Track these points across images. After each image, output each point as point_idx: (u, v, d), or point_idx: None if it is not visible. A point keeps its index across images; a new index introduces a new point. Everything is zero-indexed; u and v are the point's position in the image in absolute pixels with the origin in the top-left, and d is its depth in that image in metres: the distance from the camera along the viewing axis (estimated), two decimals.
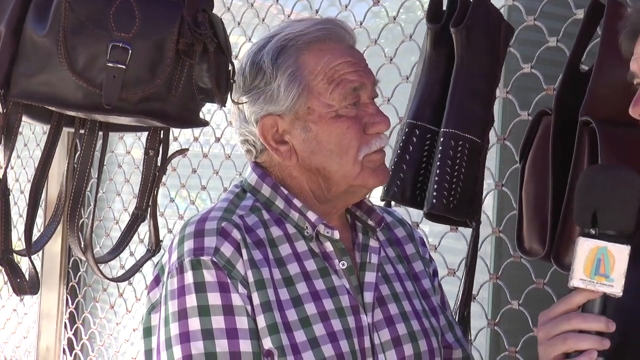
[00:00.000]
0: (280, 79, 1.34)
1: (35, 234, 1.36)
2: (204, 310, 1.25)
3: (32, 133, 4.15)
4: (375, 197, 1.80)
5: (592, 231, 1.18)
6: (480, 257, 2.18)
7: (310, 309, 1.30)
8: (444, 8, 1.78)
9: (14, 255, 1.27)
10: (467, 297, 1.81)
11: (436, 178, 1.66)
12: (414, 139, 1.73)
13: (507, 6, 2.20)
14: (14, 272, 1.26)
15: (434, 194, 1.66)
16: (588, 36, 1.64)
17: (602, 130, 1.48)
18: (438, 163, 1.67)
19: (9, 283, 1.28)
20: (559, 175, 1.55)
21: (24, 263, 1.31)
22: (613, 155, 1.47)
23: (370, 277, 1.38)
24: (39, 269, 3.84)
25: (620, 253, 1.15)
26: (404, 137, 1.75)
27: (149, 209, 1.40)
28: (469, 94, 1.68)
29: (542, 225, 1.59)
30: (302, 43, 1.35)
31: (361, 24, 2.58)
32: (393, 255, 1.49)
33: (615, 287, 1.15)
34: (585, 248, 1.17)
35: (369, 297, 1.36)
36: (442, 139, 1.68)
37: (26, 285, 1.27)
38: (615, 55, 1.51)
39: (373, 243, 1.42)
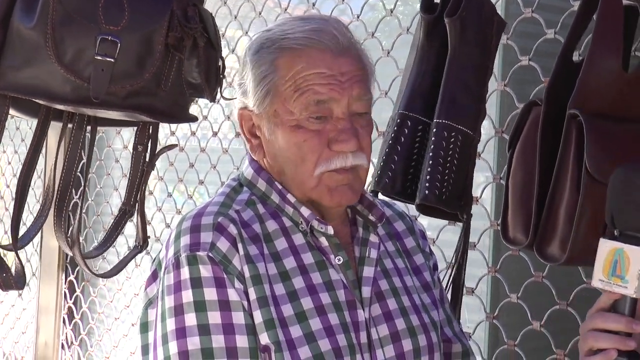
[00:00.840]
0: (251, 75, 1.35)
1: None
2: (200, 306, 1.24)
3: (29, 128, 4.14)
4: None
5: (616, 232, 1.20)
6: (478, 250, 2.18)
7: (307, 303, 1.29)
8: (437, 1, 1.78)
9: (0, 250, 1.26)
10: (457, 292, 1.80)
11: (429, 169, 1.65)
12: (406, 130, 1.72)
13: None
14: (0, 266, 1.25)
15: (426, 184, 1.65)
16: (582, 27, 1.64)
17: (590, 124, 1.47)
18: (431, 154, 1.66)
19: None
20: (546, 166, 1.55)
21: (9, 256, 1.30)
22: (600, 149, 1.46)
23: (368, 271, 1.37)
24: (37, 264, 3.86)
25: (635, 254, 1.16)
26: (395, 128, 1.74)
27: (137, 204, 1.39)
28: (461, 85, 1.68)
29: (527, 215, 1.59)
30: (282, 46, 1.33)
31: (358, 16, 2.57)
32: (392, 250, 1.48)
33: (629, 288, 1.17)
34: (604, 249, 1.20)
35: (366, 292, 1.36)
36: (434, 130, 1.67)
37: (12, 280, 1.26)
38: (607, 47, 1.51)
39: (373, 238, 1.41)
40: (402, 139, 1.72)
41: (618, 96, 1.51)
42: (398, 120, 1.74)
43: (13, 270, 1.27)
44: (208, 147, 3.16)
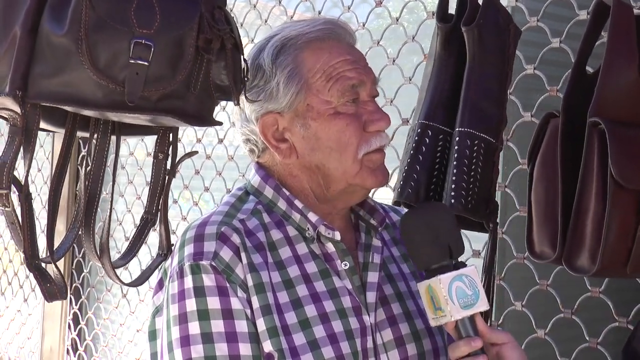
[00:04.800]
0: (279, 76, 1.36)
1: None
2: (203, 315, 1.25)
3: (47, 135, 4.14)
4: (388, 198, 1.79)
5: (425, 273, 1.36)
6: (483, 259, 2.18)
7: (310, 311, 1.30)
8: (450, 10, 1.77)
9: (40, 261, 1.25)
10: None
11: (453, 178, 1.64)
12: (427, 140, 1.70)
13: (510, 7, 2.19)
14: (43, 277, 1.25)
15: (452, 193, 1.64)
16: (594, 38, 1.64)
17: (612, 131, 1.47)
18: (455, 163, 1.64)
19: (39, 288, 1.26)
20: (569, 177, 1.54)
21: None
22: (624, 155, 1.46)
23: (372, 277, 1.38)
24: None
25: (437, 285, 1.32)
26: (416, 138, 1.72)
27: (159, 212, 1.38)
28: (482, 93, 1.66)
29: (553, 228, 1.58)
30: (302, 42, 1.37)
31: (364, 25, 2.58)
32: (398, 255, 1.49)
33: (447, 315, 1.31)
34: (422, 291, 1.34)
35: (371, 297, 1.37)
36: (457, 139, 1.65)
37: (56, 290, 1.26)
38: (623, 56, 1.51)
39: (376, 242, 1.43)
40: (424, 149, 1.71)
41: (636, 103, 1.51)
42: (419, 130, 1.72)
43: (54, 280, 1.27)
44: (213, 154, 3.17)
